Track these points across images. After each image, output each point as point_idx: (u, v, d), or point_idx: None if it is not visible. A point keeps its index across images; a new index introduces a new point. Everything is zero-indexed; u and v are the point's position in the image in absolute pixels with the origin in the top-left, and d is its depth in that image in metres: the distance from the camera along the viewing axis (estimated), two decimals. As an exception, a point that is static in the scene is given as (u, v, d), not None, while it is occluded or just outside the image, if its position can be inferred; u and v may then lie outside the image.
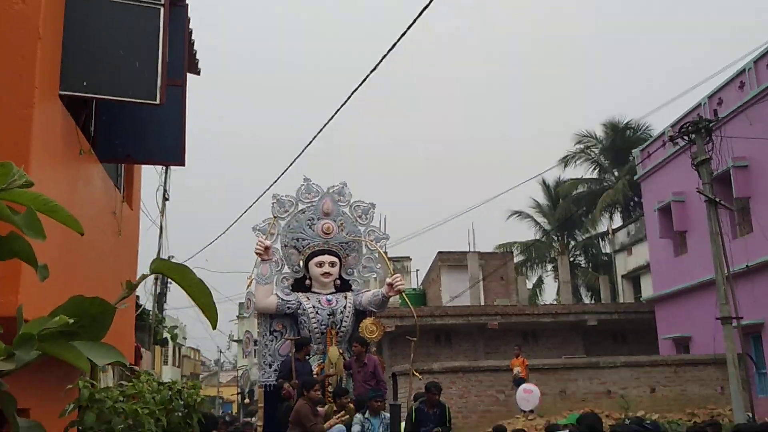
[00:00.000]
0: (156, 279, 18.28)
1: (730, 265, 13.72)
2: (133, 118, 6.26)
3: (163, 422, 4.34)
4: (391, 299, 11.39)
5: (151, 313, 20.51)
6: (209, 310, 1.38)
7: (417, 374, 12.08)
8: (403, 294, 11.98)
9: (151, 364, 22.98)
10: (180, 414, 4.52)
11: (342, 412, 9.31)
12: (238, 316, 50.85)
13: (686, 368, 19.28)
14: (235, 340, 53.15)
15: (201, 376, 63.24)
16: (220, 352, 57.98)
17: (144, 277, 1.51)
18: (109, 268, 6.47)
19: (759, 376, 17.81)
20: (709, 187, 13.16)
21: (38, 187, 1.31)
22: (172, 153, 6.48)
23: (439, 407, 9.30)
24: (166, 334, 29.44)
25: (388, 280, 10.89)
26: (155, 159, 6.99)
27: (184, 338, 50.16)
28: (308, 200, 11.73)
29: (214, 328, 1.53)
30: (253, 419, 35.69)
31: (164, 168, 13.25)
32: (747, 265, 16.87)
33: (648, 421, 12.02)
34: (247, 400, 34.71)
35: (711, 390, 18.97)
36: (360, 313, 11.20)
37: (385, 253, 12.10)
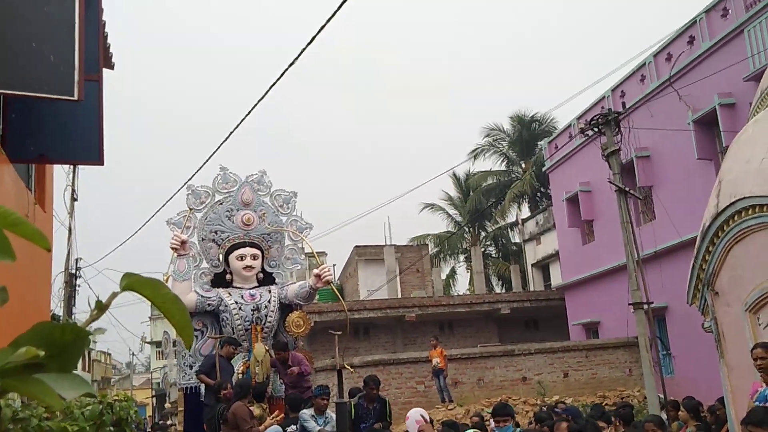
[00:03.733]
0: (65, 282, 17.47)
1: (640, 251, 14.25)
2: (46, 116, 5.90)
3: (94, 438, 4.05)
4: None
5: (61, 317, 19.64)
6: (184, 329, 1.26)
7: (350, 368, 11.92)
8: (332, 286, 11.71)
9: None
10: (111, 429, 4.25)
11: (276, 412, 9.09)
12: (150, 317, 49.28)
13: (597, 352, 20.00)
14: (148, 342, 51.54)
15: (112, 380, 61.21)
16: (133, 354, 56.12)
17: (114, 295, 1.37)
18: (23, 274, 6.12)
19: (664, 358, 18.63)
20: (619, 177, 13.64)
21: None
22: (89, 151, 6.12)
23: (378, 402, 8.90)
24: (75, 339, 28.24)
25: (316, 271, 10.52)
26: (71, 158, 6.60)
27: (95, 342, 48.33)
28: (226, 190, 11.24)
29: (189, 348, 1.43)
30: (169, 422, 34.77)
31: (71, 167, 12.56)
32: (655, 251, 17.59)
33: (567, 407, 12.37)
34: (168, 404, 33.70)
35: (620, 372, 19.77)
36: (285, 307, 10.83)
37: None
